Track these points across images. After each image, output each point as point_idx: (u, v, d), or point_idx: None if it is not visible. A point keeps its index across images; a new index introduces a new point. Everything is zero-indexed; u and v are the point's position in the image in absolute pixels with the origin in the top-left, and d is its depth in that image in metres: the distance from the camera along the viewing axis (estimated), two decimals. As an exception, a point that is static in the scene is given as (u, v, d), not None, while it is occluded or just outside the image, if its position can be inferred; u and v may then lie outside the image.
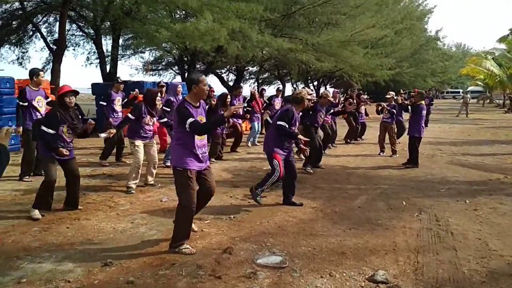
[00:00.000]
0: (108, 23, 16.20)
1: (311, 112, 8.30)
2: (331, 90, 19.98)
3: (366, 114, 13.61)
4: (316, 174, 8.15)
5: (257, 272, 3.67)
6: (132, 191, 6.31)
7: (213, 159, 8.96)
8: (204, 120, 4.20)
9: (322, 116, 8.69)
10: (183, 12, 17.60)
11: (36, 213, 4.98)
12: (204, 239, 4.50)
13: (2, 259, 3.82)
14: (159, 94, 6.83)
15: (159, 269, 3.71)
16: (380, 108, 10.35)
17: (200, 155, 4.14)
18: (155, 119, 6.72)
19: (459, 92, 64.27)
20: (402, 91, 16.08)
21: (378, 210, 5.80)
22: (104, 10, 14.31)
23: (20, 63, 19.60)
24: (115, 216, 5.22)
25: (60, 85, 12.23)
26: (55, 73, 14.30)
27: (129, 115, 6.57)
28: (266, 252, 4.15)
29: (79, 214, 5.24)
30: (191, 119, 3.93)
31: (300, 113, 7.08)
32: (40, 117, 6.49)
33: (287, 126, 5.62)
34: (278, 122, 5.63)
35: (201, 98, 4.22)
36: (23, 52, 19.48)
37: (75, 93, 5.34)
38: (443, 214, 5.63)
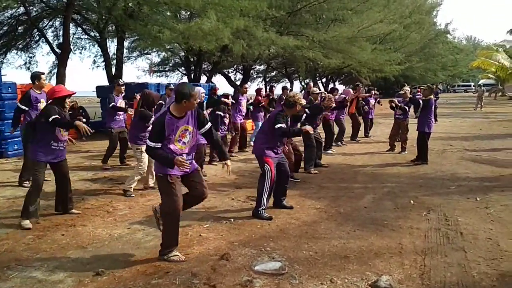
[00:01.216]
0: (112, 25, 16.16)
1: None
2: (341, 87, 19.71)
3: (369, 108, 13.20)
4: (321, 174, 7.95)
5: (254, 280, 3.50)
6: (132, 195, 6.18)
7: (215, 162, 8.82)
8: (190, 129, 3.93)
9: (321, 118, 8.48)
10: (188, 12, 17.51)
11: (27, 222, 4.82)
12: (202, 244, 4.34)
13: (-8, 270, 3.70)
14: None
15: (152, 278, 3.56)
16: (394, 104, 10.13)
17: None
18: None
19: (470, 86, 63.37)
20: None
21: (385, 210, 5.60)
22: (107, 12, 14.24)
23: (28, 68, 19.61)
24: (112, 222, 5.08)
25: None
26: (60, 77, 14.26)
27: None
28: (265, 258, 3.98)
29: (76, 220, 5.12)
30: (154, 144, 3.78)
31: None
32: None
33: (285, 126, 5.31)
34: (276, 126, 5.22)
35: (189, 110, 3.94)
36: (30, 57, 19.50)
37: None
38: (453, 213, 5.40)
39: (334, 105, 6.96)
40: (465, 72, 61.22)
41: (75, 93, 5.44)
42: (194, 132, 3.99)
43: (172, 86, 10.09)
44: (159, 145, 3.79)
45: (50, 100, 5.11)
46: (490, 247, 4.26)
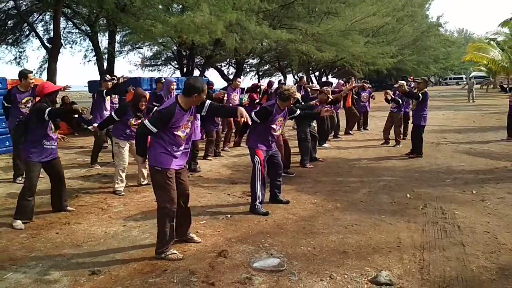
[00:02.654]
0: (104, 19, 15.96)
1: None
2: (334, 81, 19.73)
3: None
4: (317, 168, 7.92)
5: (253, 277, 3.46)
6: (122, 193, 6.09)
7: (209, 157, 8.77)
8: (191, 118, 3.89)
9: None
10: (180, 5, 17.33)
11: (19, 223, 4.73)
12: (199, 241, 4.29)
13: (-15, 270, 3.63)
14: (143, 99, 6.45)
15: (150, 276, 3.51)
16: (388, 97, 10.12)
17: (180, 153, 3.89)
18: (142, 120, 6.41)
19: (462, 78, 63.62)
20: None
21: (382, 204, 5.58)
22: (98, 6, 14.03)
23: (18, 63, 19.31)
24: (107, 219, 5.02)
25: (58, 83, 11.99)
26: (51, 72, 14.07)
27: (113, 114, 6.26)
28: (263, 254, 3.94)
29: (70, 218, 5.05)
30: (151, 128, 3.73)
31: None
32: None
33: (258, 120, 5.26)
34: (252, 114, 5.26)
35: (195, 105, 3.91)
36: (21, 52, 19.20)
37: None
38: (449, 206, 5.40)
39: (331, 97, 6.90)
40: (457, 65, 61.43)
41: (62, 88, 5.34)
42: (194, 121, 4.06)
43: (163, 80, 9.97)
44: (155, 130, 3.74)
45: (39, 98, 4.99)
46: (488, 241, 4.26)
